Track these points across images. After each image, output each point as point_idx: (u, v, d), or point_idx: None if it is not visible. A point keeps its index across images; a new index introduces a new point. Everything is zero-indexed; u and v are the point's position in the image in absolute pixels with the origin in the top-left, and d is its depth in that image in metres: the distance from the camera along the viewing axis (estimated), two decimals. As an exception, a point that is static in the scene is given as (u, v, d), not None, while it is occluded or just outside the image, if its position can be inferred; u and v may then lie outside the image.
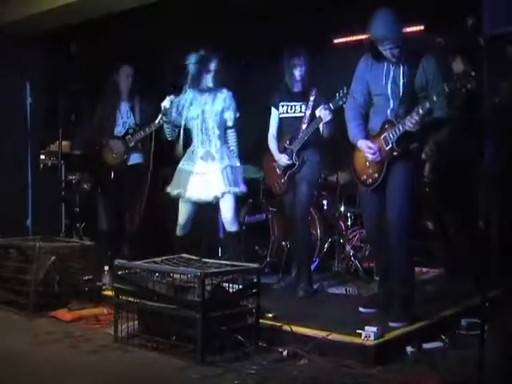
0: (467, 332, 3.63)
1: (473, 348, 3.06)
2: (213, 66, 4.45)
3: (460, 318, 3.77)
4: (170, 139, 4.64)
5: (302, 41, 4.86)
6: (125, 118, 5.62)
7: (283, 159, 4.67)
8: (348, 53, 5.31)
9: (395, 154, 3.65)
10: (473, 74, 3.30)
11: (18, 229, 5.65)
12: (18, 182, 6.06)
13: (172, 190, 4.54)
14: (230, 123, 4.55)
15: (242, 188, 4.53)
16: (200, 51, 4.44)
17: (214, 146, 4.51)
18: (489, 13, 3.25)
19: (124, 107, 5.64)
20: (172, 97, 4.49)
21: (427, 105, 3.48)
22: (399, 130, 3.59)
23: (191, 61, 4.41)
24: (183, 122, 4.53)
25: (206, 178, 4.47)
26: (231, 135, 4.58)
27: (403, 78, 3.65)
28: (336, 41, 6.37)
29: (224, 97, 4.50)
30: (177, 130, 4.57)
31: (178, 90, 4.53)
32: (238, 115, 4.55)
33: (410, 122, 3.50)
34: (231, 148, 4.56)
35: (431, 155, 4.70)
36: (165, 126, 4.59)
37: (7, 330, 3.99)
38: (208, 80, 4.46)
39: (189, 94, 4.52)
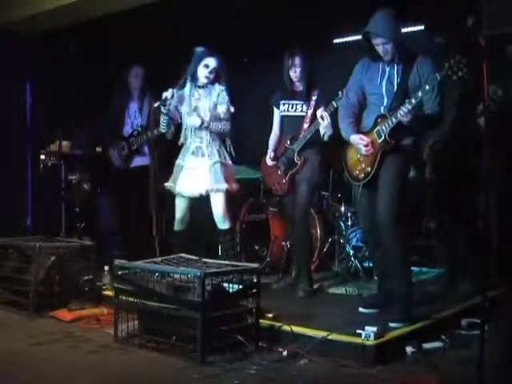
0: (467, 332, 3.63)
1: (473, 348, 3.07)
2: (212, 62, 4.46)
3: (460, 318, 3.77)
4: (163, 131, 4.67)
5: (303, 41, 4.87)
6: (132, 118, 5.61)
7: (268, 159, 4.76)
8: (350, 53, 5.31)
9: (388, 147, 3.66)
10: (464, 61, 3.30)
11: (18, 229, 5.65)
12: (18, 182, 6.06)
13: (167, 184, 4.62)
14: (222, 115, 4.53)
15: (231, 186, 4.52)
16: (200, 47, 4.48)
17: (205, 141, 4.53)
18: (488, 13, 3.25)
19: (133, 107, 5.64)
20: (174, 90, 4.50)
21: (419, 94, 3.51)
22: (392, 121, 3.61)
23: (192, 56, 4.47)
24: (182, 117, 4.57)
25: (195, 173, 4.51)
26: (224, 127, 4.54)
27: (397, 78, 3.70)
28: (338, 41, 6.36)
29: (217, 92, 4.51)
30: (172, 124, 4.61)
31: (179, 84, 4.55)
32: (232, 110, 4.54)
33: (403, 111, 3.52)
34: (224, 139, 4.56)
35: (431, 156, 4.70)
36: (162, 116, 4.58)
37: (7, 330, 3.99)
38: (205, 76, 4.48)
39: (187, 89, 4.55)
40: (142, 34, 5.92)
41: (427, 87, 3.49)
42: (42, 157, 6.50)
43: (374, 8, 3.69)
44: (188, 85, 4.54)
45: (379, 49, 3.68)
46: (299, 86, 4.66)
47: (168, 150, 5.54)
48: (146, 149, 5.57)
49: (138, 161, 5.60)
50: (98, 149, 6.57)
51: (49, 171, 6.48)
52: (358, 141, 3.75)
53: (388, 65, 3.73)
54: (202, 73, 4.48)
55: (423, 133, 4.16)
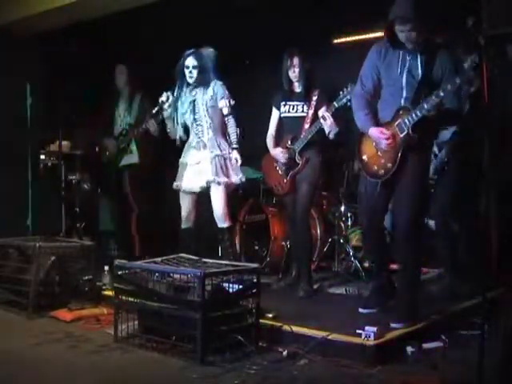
0: (467, 332, 3.62)
1: (473, 348, 3.07)
2: (190, 62, 4.49)
3: (460, 318, 3.77)
4: (173, 137, 4.70)
5: (303, 41, 4.87)
6: (122, 116, 5.65)
7: (280, 155, 4.66)
8: (351, 53, 5.32)
9: (411, 142, 3.49)
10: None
11: (18, 229, 5.65)
12: (18, 182, 6.06)
13: (174, 184, 4.66)
14: (225, 111, 4.56)
15: (235, 178, 4.55)
16: (189, 49, 4.52)
17: (206, 135, 4.57)
18: (488, 13, 3.25)
19: (122, 106, 5.67)
20: (169, 93, 4.57)
21: (448, 87, 3.32)
22: (416, 115, 3.42)
23: (182, 58, 4.50)
24: (180, 118, 4.62)
25: (198, 168, 4.55)
26: (229, 122, 4.57)
27: (420, 69, 3.51)
28: (339, 41, 6.35)
29: (213, 86, 4.54)
30: (177, 127, 4.64)
31: (174, 87, 4.61)
32: (233, 102, 4.57)
33: (429, 104, 3.35)
34: (231, 135, 4.55)
35: (434, 156, 4.69)
36: (166, 122, 4.68)
37: (7, 330, 3.99)
38: (189, 76, 4.51)
39: (181, 90, 4.59)
40: (141, 34, 5.92)
41: (457, 80, 3.29)
42: (42, 157, 6.50)
43: (373, 8, 3.67)
44: (181, 86, 4.58)
45: (402, 35, 3.45)
46: (299, 86, 4.65)
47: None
48: (135, 147, 5.60)
49: (127, 159, 5.62)
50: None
51: (49, 171, 6.49)
52: (379, 135, 3.54)
53: (409, 54, 3.52)
54: (186, 74, 4.52)
55: (441, 129, 4.09)
